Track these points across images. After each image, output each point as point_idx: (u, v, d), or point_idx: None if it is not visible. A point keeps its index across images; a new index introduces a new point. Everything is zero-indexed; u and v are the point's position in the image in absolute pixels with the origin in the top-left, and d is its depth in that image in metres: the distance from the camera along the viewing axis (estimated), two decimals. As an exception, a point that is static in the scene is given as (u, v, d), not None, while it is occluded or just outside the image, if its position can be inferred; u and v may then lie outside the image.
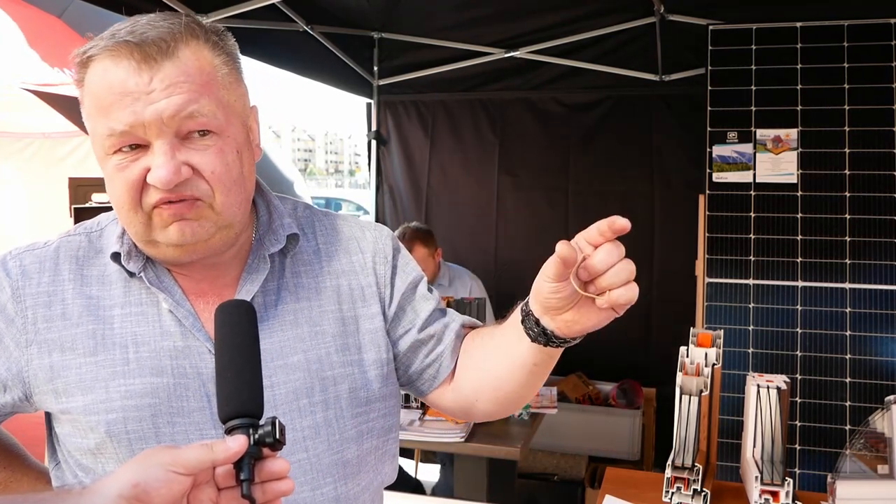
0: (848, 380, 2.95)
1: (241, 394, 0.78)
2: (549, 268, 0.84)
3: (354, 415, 1.02)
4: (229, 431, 0.76)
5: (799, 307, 3.05)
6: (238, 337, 0.81)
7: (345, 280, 1.07)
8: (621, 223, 0.80)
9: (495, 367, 1.03)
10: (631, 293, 0.82)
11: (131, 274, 0.97)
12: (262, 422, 0.76)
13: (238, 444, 0.73)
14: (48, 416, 1.00)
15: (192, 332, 0.96)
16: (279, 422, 0.75)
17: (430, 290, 1.13)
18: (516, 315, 0.96)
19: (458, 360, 1.11)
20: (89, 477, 0.94)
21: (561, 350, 0.95)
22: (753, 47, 3.15)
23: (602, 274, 0.82)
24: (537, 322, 0.91)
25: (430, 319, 1.10)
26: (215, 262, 0.99)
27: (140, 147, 0.89)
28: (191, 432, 0.93)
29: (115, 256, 0.97)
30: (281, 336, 0.99)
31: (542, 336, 0.91)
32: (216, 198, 0.92)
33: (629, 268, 0.82)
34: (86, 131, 0.95)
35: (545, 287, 0.85)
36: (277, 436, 0.75)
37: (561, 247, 0.80)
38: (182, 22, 0.91)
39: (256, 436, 0.75)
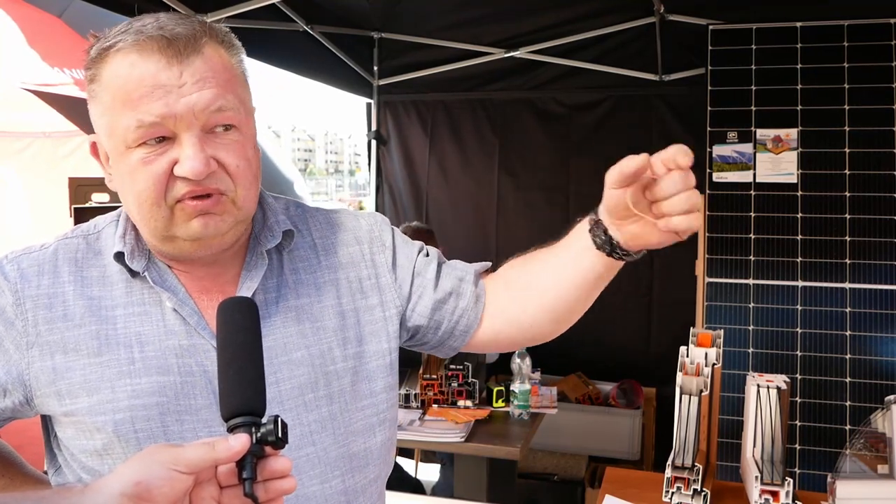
0: (848, 380, 2.95)
1: (243, 392, 0.77)
2: (610, 174, 0.92)
3: (359, 408, 1.03)
4: (231, 430, 0.76)
5: (799, 307, 3.04)
6: (240, 335, 0.80)
7: (343, 273, 1.08)
8: (684, 161, 0.87)
9: (554, 281, 1.07)
10: (689, 222, 0.88)
11: (134, 273, 0.97)
12: (264, 420, 0.76)
13: (240, 442, 0.73)
14: (47, 420, 0.99)
15: (196, 330, 0.96)
16: (282, 420, 0.75)
17: (427, 254, 1.16)
18: (580, 228, 1.02)
19: (499, 295, 1.14)
20: (94, 479, 0.93)
21: (618, 267, 1.02)
22: (753, 47, 3.15)
23: (665, 200, 0.88)
24: (605, 231, 0.98)
25: (438, 274, 1.13)
26: (216, 259, 1.00)
27: (166, 140, 0.90)
28: (199, 430, 0.93)
29: (119, 256, 0.97)
30: (284, 332, 1.00)
31: (607, 244, 0.99)
32: (238, 192, 0.94)
33: (692, 199, 0.88)
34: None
35: (611, 195, 0.94)
36: (280, 434, 0.75)
37: (627, 161, 0.89)
38: (198, 22, 0.93)
39: (259, 434, 0.75)
